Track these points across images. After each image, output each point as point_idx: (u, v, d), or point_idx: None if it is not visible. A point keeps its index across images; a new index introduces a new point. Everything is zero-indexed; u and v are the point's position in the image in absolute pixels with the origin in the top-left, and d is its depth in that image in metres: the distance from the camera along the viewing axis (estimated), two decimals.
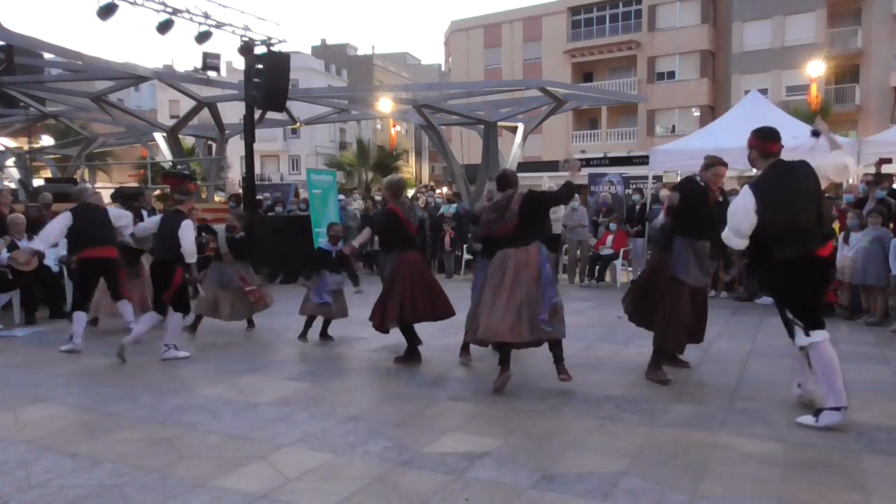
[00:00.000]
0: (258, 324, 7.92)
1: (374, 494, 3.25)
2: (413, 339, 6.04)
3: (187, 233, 6.19)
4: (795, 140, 5.38)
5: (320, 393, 5.06)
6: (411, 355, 6.00)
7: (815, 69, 23.55)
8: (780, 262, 4.13)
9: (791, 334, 4.21)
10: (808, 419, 4.11)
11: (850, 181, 11.05)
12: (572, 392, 4.92)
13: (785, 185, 4.11)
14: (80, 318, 6.63)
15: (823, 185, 4.28)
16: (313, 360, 6.19)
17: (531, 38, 37.32)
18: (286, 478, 3.45)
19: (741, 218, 4.18)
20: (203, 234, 10.73)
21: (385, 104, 19.12)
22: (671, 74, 33.41)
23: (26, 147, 18.25)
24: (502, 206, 5.10)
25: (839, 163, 4.26)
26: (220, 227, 7.72)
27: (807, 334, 4.09)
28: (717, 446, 3.82)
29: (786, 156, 4.34)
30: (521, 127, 18.01)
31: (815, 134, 4.55)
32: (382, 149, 37.71)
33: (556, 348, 4.99)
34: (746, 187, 4.27)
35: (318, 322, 7.06)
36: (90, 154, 20.78)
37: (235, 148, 19.22)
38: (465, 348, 6.05)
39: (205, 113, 16.46)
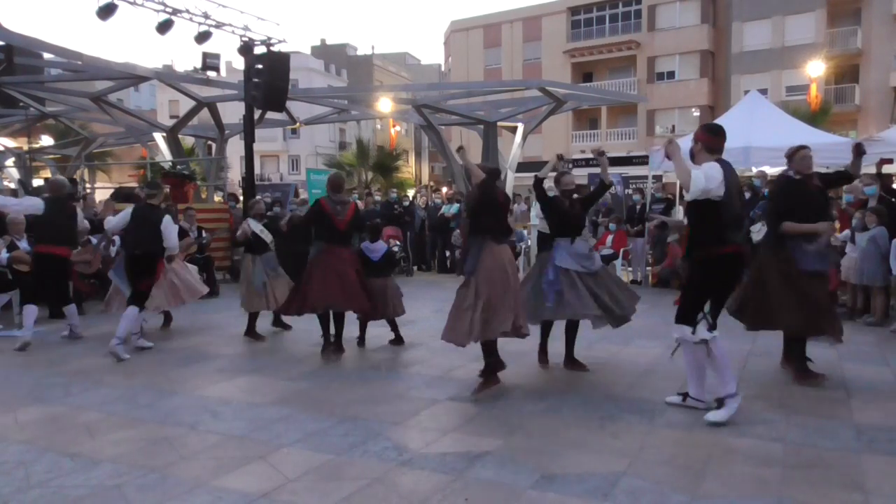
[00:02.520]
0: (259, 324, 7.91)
1: (374, 494, 3.25)
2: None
3: (171, 231, 6.36)
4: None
5: (320, 393, 5.06)
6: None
7: (815, 69, 23.54)
8: (721, 250, 4.26)
9: (693, 325, 4.31)
10: (717, 415, 4.21)
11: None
12: (572, 392, 4.93)
13: (732, 179, 4.26)
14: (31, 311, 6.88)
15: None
16: (313, 360, 6.19)
17: (531, 38, 37.32)
18: (286, 478, 3.45)
19: (713, 177, 4.19)
20: (203, 233, 10.76)
21: (385, 104, 19.12)
22: (671, 74, 33.42)
23: (26, 147, 18.22)
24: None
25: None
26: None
27: (708, 329, 4.27)
28: (717, 446, 3.82)
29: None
30: (520, 127, 18.01)
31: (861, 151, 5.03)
32: (382, 149, 37.68)
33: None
34: (714, 162, 4.28)
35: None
36: (90, 154, 20.73)
37: (235, 148, 19.21)
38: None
39: (205, 113, 16.44)
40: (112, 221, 6.77)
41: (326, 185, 6.49)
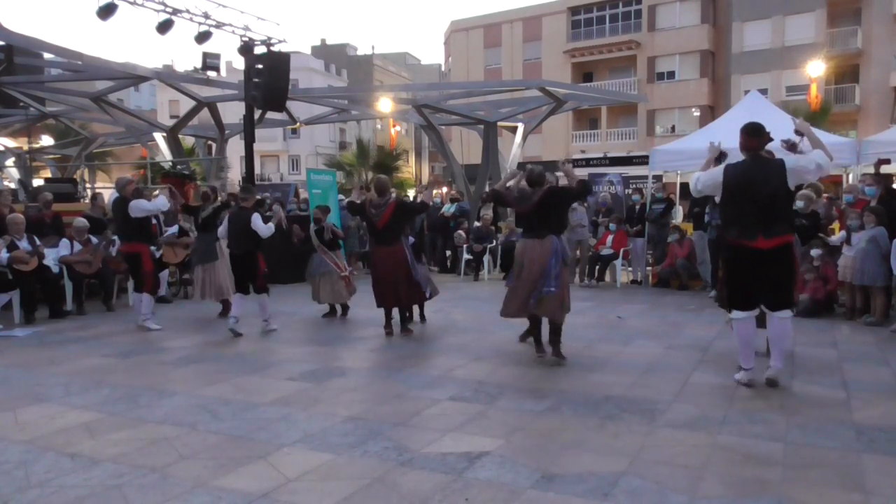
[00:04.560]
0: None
1: (374, 494, 3.25)
2: None
3: (259, 223, 7.18)
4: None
5: (320, 393, 5.06)
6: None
7: (815, 69, 23.55)
8: (726, 243, 4.89)
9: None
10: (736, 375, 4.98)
11: (850, 181, 11.08)
12: (572, 392, 4.92)
13: (740, 177, 4.62)
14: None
15: (796, 181, 4.66)
16: (313, 360, 6.19)
17: (531, 38, 37.33)
18: (286, 478, 3.45)
19: (708, 179, 4.87)
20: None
21: (385, 104, 19.11)
22: (671, 74, 33.44)
23: (26, 147, 18.22)
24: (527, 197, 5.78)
25: (816, 161, 4.63)
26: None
27: (729, 311, 4.95)
28: (717, 446, 3.82)
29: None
30: (521, 127, 18.01)
31: (799, 134, 4.99)
32: (382, 149, 37.70)
33: (553, 333, 5.73)
34: (722, 165, 4.85)
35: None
36: (90, 154, 20.73)
37: (235, 148, 19.25)
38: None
39: (205, 113, 16.45)
40: (220, 230, 7.68)
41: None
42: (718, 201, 4.89)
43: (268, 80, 11.77)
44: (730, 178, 4.65)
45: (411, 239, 8.15)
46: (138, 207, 7.51)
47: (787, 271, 4.68)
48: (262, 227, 7.16)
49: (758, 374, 4.94)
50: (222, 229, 7.59)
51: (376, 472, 3.51)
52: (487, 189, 13.49)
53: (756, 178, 4.56)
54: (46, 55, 14.09)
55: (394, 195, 7.40)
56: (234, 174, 27.26)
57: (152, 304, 7.77)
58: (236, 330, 7.17)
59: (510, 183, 6.37)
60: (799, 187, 5.08)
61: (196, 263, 8.45)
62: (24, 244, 8.19)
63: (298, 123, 18.74)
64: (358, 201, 7.29)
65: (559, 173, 6.43)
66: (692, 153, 11.11)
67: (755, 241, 4.53)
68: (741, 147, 4.72)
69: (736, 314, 4.84)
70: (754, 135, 4.68)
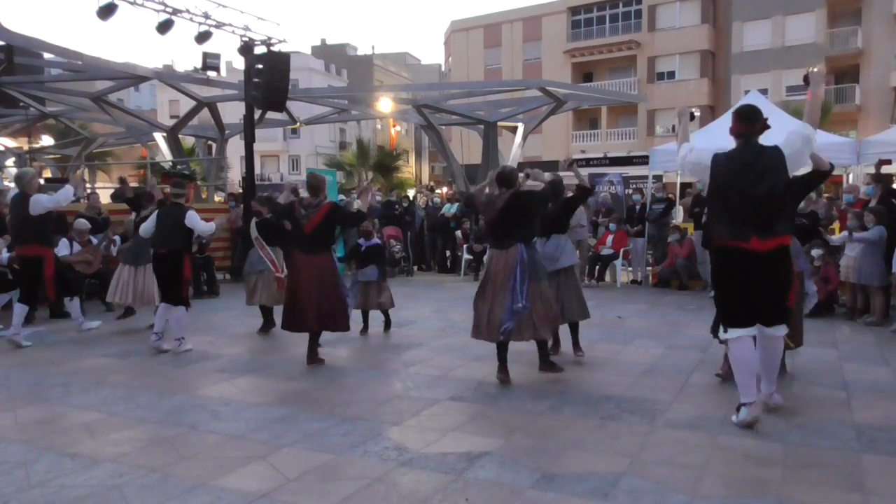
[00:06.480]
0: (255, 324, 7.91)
1: (374, 494, 3.25)
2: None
3: (197, 220, 6.55)
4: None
5: (320, 393, 5.06)
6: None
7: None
8: (713, 244, 4.15)
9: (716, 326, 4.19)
10: (735, 417, 4.12)
11: (850, 181, 11.08)
12: (572, 392, 4.93)
13: (732, 166, 3.98)
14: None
15: (795, 167, 3.97)
16: None
17: (531, 38, 37.33)
18: (286, 478, 3.45)
19: (696, 157, 4.22)
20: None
21: (385, 104, 19.13)
22: (671, 74, 33.43)
23: (26, 147, 18.25)
24: (494, 202, 5.27)
25: (800, 133, 3.98)
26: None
27: (724, 329, 4.12)
28: (717, 446, 3.82)
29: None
30: (521, 127, 18.03)
31: (806, 81, 4.25)
32: (382, 149, 37.76)
33: (541, 348, 5.41)
34: (711, 150, 4.19)
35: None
36: (90, 154, 20.79)
37: (235, 148, 19.22)
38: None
39: (205, 113, 16.47)
40: (144, 226, 6.86)
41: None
42: (705, 195, 4.21)
43: (268, 80, 11.77)
44: (719, 169, 4.00)
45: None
46: (38, 203, 6.71)
47: (785, 279, 4.02)
48: (202, 225, 6.57)
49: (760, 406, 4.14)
50: (147, 225, 6.75)
51: (376, 472, 3.51)
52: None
53: (750, 168, 3.91)
54: (46, 55, 14.11)
55: (327, 201, 6.17)
56: (234, 174, 27.24)
57: (24, 313, 6.91)
58: (161, 347, 6.49)
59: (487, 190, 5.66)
60: (802, 179, 4.25)
61: (125, 263, 7.73)
62: None
63: (298, 123, 18.76)
64: (283, 202, 6.37)
65: (563, 173, 6.20)
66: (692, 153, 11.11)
67: (748, 241, 3.86)
68: (732, 132, 4.07)
69: (732, 332, 4.03)
70: (747, 119, 4.03)
